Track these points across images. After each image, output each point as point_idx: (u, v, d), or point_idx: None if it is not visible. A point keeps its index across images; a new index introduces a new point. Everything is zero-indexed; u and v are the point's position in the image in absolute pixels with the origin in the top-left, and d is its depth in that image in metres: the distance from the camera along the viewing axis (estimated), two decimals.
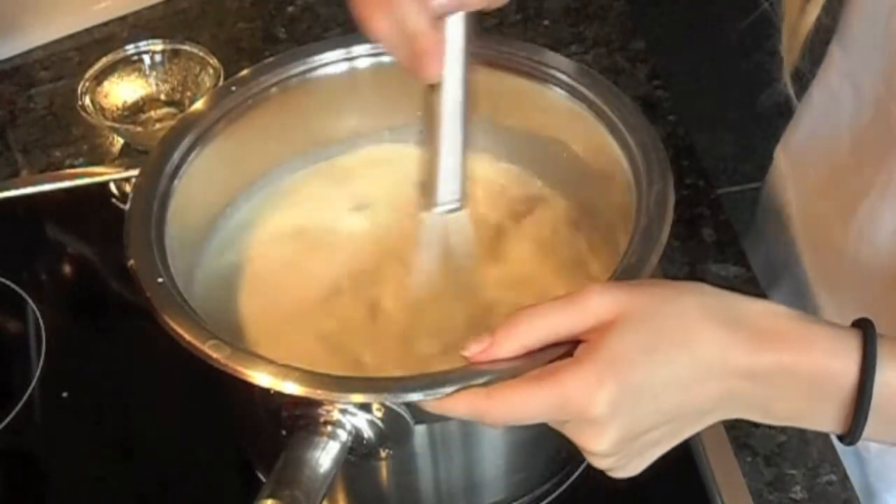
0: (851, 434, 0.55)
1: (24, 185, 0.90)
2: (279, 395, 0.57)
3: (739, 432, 0.75)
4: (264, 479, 0.72)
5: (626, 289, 0.55)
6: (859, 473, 0.79)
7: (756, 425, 0.75)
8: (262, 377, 0.57)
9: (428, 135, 0.64)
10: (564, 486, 0.71)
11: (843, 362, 0.54)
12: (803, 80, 0.78)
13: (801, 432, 0.75)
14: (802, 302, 0.83)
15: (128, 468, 0.76)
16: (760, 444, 0.75)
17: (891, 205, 0.72)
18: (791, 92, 0.74)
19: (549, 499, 0.71)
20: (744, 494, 0.72)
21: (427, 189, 0.66)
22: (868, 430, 0.55)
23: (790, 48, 0.72)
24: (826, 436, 0.75)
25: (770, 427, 0.75)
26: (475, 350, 0.55)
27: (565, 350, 0.55)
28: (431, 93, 0.63)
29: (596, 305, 0.54)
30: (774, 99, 0.75)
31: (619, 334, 0.53)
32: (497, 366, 0.55)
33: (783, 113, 0.84)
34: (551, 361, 0.55)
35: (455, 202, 0.66)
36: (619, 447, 0.54)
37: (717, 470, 0.73)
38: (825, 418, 0.56)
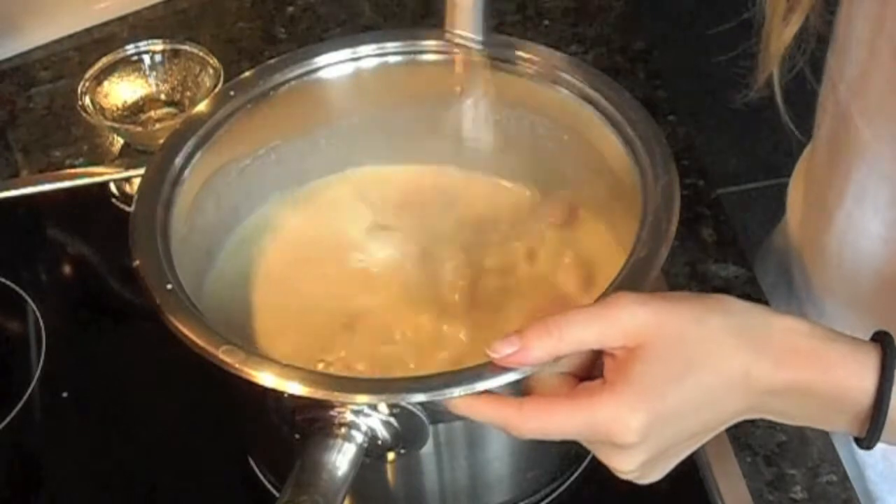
0: (867, 441, 0.57)
1: (24, 185, 0.90)
2: (293, 398, 0.57)
3: (739, 432, 0.75)
4: (265, 480, 0.72)
5: (654, 306, 0.54)
6: (858, 478, 0.79)
7: (756, 425, 0.75)
8: (278, 381, 0.56)
9: None
10: (565, 486, 0.71)
11: (860, 381, 0.55)
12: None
13: (801, 432, 0.75)
14: (803, 310, 0.83)
15: (128, 469, 0.76)
16: (760, 444, 0.75)
17: (866, 214, 0.72)
18: (778, 94, 0.73)
19: (550, 499, 0.71)
20: (744, 494, 0.72)
21: (449, 17, 0.68)
22: (883, 437, 0.56)
23: (767, 56, 0.71)
24: (826, 436, 0.75)
25: (770, 427, 0.75)
26: (504, 352, 0.55)
27: (586, 358, 0.56)
28: None
29: (625, 322, 0.54)
30: (749, 99, 0.74)
31: (650, 362, 0.53)
32: (522, 369, 0.55)
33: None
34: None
35: (474, 38, 0.68)
36: (645, 466, 0.55)
37: (717, 470, 0.73)
38: (841, 426, 0.58)
